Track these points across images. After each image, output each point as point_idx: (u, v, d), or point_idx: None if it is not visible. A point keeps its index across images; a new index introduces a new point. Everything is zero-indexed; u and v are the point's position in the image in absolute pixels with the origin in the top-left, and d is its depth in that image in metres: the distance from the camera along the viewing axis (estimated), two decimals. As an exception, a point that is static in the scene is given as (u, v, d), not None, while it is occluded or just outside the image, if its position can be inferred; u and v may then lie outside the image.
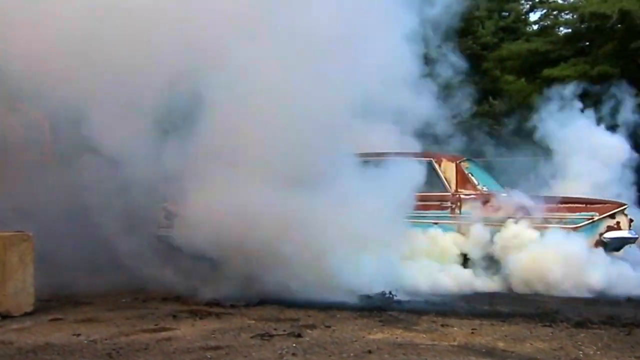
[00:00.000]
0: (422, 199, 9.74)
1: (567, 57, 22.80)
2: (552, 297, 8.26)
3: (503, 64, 23.54)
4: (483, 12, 24.56)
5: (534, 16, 25.98)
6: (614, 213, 9.58)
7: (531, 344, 5.39)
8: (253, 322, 6.36)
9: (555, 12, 23.74)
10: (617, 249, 9.59)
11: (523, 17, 27.45)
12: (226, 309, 7.05)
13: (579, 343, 5.50)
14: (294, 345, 5.33)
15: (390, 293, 7.59)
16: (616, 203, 9.79)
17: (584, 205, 9.74)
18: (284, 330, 5.89)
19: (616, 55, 20.65)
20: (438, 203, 10.13)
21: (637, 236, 9.62)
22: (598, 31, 21.12)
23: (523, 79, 23.84)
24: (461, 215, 10.02)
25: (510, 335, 5.73)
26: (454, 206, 10.09)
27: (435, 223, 9.95)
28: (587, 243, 9.35)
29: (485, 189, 10.26)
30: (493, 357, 4.99)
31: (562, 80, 21.07)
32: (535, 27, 25.95)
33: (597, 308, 7.34)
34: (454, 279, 9.20)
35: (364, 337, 5.72)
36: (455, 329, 6.09)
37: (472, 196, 10.05)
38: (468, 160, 10.80)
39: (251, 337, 5.62)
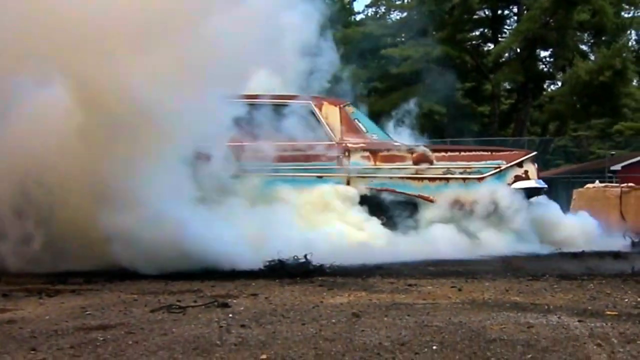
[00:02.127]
0: (302, 149, 7.88)
1: (402, 41, 22.60)
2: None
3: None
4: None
5: (363, 1, 25.62)
6: (522, 161, 8.41)
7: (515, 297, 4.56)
8: (135, 296, 4.77)
9: (388, -3, 23.37)
10: (526, 199, 8.37)
11: (348, 6, 26.96)
12: (81, 285, 5.37)
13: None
14: (231, 315, 3.95)
15: (305, 257, 6.03)
16: (524, 151, 8.67)
17: (489, 154, 8.47)
18: (195, 302, 4.43)
19: (450, 39, 20.61)
20: (322, 153, 8.19)
21: (545, 186, 8.50)
22: (432, 16, 20.98)
23: (354, 65, 23.01)
24: (350, 167, 8.17)
25: (492, 291, 4.81)
26: (341, 157, 8.21)
27: (320, 177, 8.03)
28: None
29: (375, 137, 8.53)
30: (514, 310, 4.09)
31: (404, 60, 20.81)
32: (368, 13, 25.57)
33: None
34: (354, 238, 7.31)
35: (321, 302, 4.41)
36: (429, 287, 4.97)
37: (362, 145, 8.26)
38: (352, 104, 8.99)
39: (151, 312, 4.12)
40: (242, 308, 4.21)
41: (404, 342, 3.17)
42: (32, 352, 3.14)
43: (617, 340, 3.13)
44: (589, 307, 4.04)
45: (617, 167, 19.61)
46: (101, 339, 3.40)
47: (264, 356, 2.97)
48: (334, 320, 3.74)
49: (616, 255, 6.98)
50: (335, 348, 3.09)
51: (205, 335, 3.41)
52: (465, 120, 22.77)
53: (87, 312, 4.17)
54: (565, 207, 10.17)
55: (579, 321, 3.59)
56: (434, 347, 3.05)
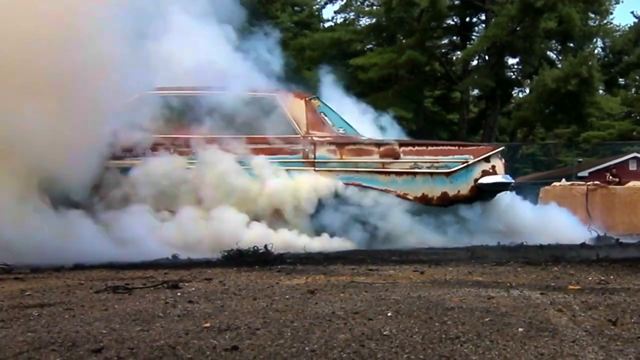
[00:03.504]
0: (266, 142, 7.70)
1: (370, 48, 22.59)
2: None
3: (303, 54, 22.41)
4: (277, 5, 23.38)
5: (332, 7, 25.67)
6: (489, 156, 8.28)
7: (477, 277, 4.41)
8: (81, 281, 4.48)
9: (357, 3, 23.34)
10: (493, 195, 8.26)
11: (317, 13, 26.99)
12: (26, 274, 5.00)
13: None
14: (179, 294, 3.73)
15: (266, 247, 5.88)
16: (491, 145, 8.54)
17: (457, 148, 8.34)
18: (145, 284, 4.18)
19: (419, 46, 20.63)
20: (286, 147, 7.99)
21: (512, 181, 8.40)
22: (401, 22, 20.99)
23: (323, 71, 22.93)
24: (316, 161, 7.98)
25: (455, 273, 4.65)
26: (306, 150, 8.02)
27: (286, 170, 7.83)
28: (462, 189, 7.87)
29: (342, 131, 8.36)
30: (476, 287, 3.99)
31: (370, 68, 20.77)
32: (337, 19, 25.57)
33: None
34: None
35: (278, 283, 4.21)
36: (391, 271, 4.79)
37: (328, 139, 8.09)
38: (318, 98, 8.83)
39: (95, 293, 3.87)
40: (192, 289, 4.00)
41: (358, 311, 3.01)
42: (-42, 326, 2.91)
43: (578, 307, 3.00)
44: (552, 284, 3.93)
45: (585, 173, 19.77)
46: (36, 314, 3.18)
47: (207, 324, 2.78)
48: (287, 297, 3.56)
49: (582, 245, 6.90)
50: (285, 317, 2.91)
51: (148, 310, 3.20)
52: (435, 128, 22.83)
53: (27, 294, 3.93)
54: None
55: (541, 294, 3.46)
56: (389, 314, 2.90)
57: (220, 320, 2.87)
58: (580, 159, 22.05)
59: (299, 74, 21.69)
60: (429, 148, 8.22)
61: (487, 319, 2.71)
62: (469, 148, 8.40)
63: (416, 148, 8.17)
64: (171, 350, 2.29)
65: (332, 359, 2.14)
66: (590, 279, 4.18)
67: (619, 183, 10.23)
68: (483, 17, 22.80)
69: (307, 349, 2.27)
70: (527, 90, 23.74)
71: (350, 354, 2.18)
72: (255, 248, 5.91)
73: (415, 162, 8.02)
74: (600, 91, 23.59)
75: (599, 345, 2.26)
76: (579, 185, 10.15)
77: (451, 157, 8.14)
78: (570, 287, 3.74)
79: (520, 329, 2.51)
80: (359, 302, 3.26)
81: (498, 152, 8.35)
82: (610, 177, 10.01)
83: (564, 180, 10.65)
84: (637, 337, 2.38)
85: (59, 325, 2.84)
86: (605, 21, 22.60)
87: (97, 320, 2.93)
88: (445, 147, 8.34)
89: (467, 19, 23.44)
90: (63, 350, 2.33)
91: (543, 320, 2.68)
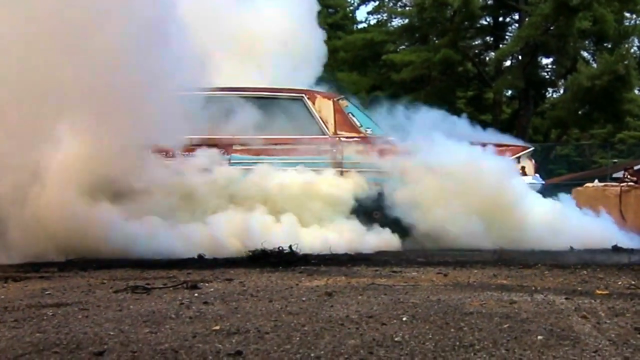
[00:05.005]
0: (294, 142, 7.62)
1: (403, 48, 22.42)
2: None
3: (336, 55, 22.33)
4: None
5: (365, 9, 25.53)
6: (519, 157, 8.10)
7: (502, 281, 4.27)
8: (104, 280, 4.47)
9: (390, 4, 23.19)
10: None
11: (350, 15, 26.88)
12: (53, 273, 5.00)
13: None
14: (197, 295, 3.69)
15: (290, 248, 5.77)
16: (521, 145, 8.33)
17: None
18: (165, 284, 4.12)
19: (452, 46, 20.40)
20: (314, 147, 7.91)
21: (543, 182, 8.20)
22: (434, 23, 20.79)
23: (356, 72, 22.87)
24: (344, 162, 7.87)
25: (479, 276, 4.53)
26: (334, 151, 7.92)
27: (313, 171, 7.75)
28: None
29: (369, 131, 8.25)
30: (499, 290, 3.86)
31: (405, 66, 20.60)
32: (370, 20, 25.49)
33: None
34: (341, 235, 7.00)
35: (297, 284, 4.12)
36: (414, 273, 4.67)
37: (356, 139, 7.98)
38: (346, 98, 8.73)
39: (114, 292, 3.85)
40: (211, 290, 3.95)
41: (373, 315, 2.92)
42: (-29, 325, 2.90)
43: (604, 314, 2.86)
44: (579, 288, 3.78)
45: (619, 174, 19.29)
46: (50, 314, 3.16)
47: (217, 327, 2.72)
48: (304, 299, 3.48)
49: (614, 248, 6.67)
50: (297, 320, 2.83)
51: (162, 311, 3.16)
52: (468, 128, 22.51)
53: (47, 293, 3.93)
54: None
55: (566, 298, 3.32)
56: (404, 319, 2.80)
57: (231, 323, 2.81)
58: (616, 160, 21.55)
59: (332, 75, 21.64)
60: (458, 148, 8.04)
61: (505, 325, 2.60)
62: (499, 148, 8.22)
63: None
64: (173, 354, 2.23)
65: (337, 366, 2.06)
66: (619, 283, 4.01)
67: (636, 183, 9.88)
68: (516, 17, 22.44)
69: (312, 355, 2.19)
70: (562, 90, 23.30)
71: (356, 361, 2.09)
72: (280, 248, 5.85)
73: (447, 162, 7.83)
74: (637, 92, 23.01)
75: (623, 356, 2.13)
76: (612, 186, 9.83)
77: (479, 157, 7.95)
78: (598, 291, 3.59)
79: (539, 337, 2.39)
80: (375, 306, 3.17)
81: (528, 152, 8.17)
82: (628, 177, 9.64)
83: (596, 181, 10.34)
84: (664, 347, 2.25)
85: (70, 326, 2.81)
86: None
87: (108, 321, 2.89)
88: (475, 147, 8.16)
89: (500, 19, 23.10)
90: (65, 352, 2.29)
91: (565, 328, 2.55)
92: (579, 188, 9.93)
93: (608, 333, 2.47)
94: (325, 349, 2.27)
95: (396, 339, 2.40)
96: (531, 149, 8.29)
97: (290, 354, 2.21)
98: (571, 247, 6.84)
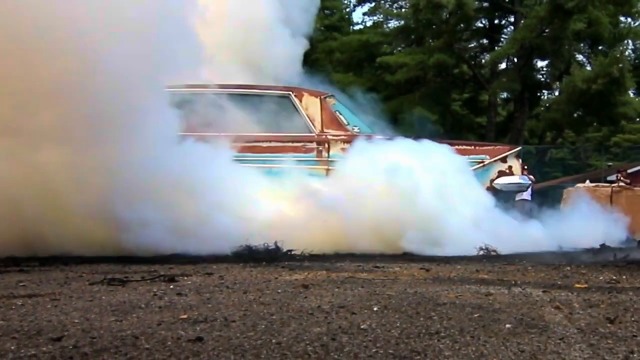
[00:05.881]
0: (280, 140, 7.60)
1: (399, 50, 22.38)
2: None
3: (331, 57, 22.31)
4: (310, 6, 23.34)
5: (361, 10, 25.45)
6: (506, 156, 8.08)
7: (483, 275, 4.25)
8: (82, 274, 4.41)
9: (386, 6, 23.14)
10: (510, 196, 8.04)
11: (347, 16, 26.85)
12: (33, 267, 4.94)
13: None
14: (172, 287, 3.65)
15: (276, 244, 5.72)
16: (508, 146, 8.34)
17: (472, 148, 8.15)
18: (143, 277, 4.08)
19: (447, 48, 20.37)
20: (300, 145, 7.88)
21: (530, 182, 8.16)
22: (429, 25, 20.74)
23: (351, 73, 22.82)
24: (329, 160, 7.84)
25: (462, 271, 4.50)
26: (320, 149, 7.89)
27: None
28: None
29: (356, 129, 8.21)
30: (478, 284, 3.89)
31: (400, 68, 20.56)
32: (366, 21, 25.48)
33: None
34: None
35: (276, 278, 4.10)
36: (397, 269, 4.67)
37: (342, 137, 7.95)
38: (333, 96, 8.70)
39: (90, 284, 3.80)
40: (188, 282, 3.91)
41: (345, 305, 2.88)
42: (-64, 313, 2.85)
43: (578, 305, 2.83)
44: (559, 282, 3.74)
45: (614, 177, 19.26)
46: (20, 304, 3.11)
47: (184, 316, 2.68)
48: (279, 291, 3.44)
49: (602, 246, 6.64)
50: (267, 310, 2.79)
51: (132, 301, 3.11)
52: (462, 131, 22.53)
53: (22, 284, 3.88)
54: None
55: (543, 291, 3.29)
56: (375, 309, 2.76)
57: (200, 312, 2.76)
58: (610, 163, 21.53)
59: (327, 76, 21.62)
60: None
61: (476, 315, 2.56)
62: (486, 148, 8.22)
63: (433, 147, 7.98)
64: (133, 340, 2.19)
65: (295, 352, 2.01)
66: (601, 278, 3.98)
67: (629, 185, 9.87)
68: (512, 19, 22.42)
69: (274, 341, 2.15)
70: (557, 92, 23.29)
71: (316, 348, 2.05)
72: (265, 244, 5.81)
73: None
74: (631, 94, 23.01)
75: (588, 343, 2.09)
76: (603, 187, 9.83)
77: (467, 157, 7.95)
78: (577, 285, 3.56)
79: (508, 325, 2.35)
80: (350, 297, 3.13)
81: (515, 152, 8.15)
82: (621, 179, 9.63)
83: (588, 181, 10.33)
84: (632, 335, 2.21)
85: (35, 315, 2.76)
86: (636, 23, 22.03)
87: (76, 311, 2.84)
88: (461, 147, 8.16)
89: (496, 21, 23.08)
90: (24, 338, 2.24)
91: (536, 317, 2.51)
92: (570, 189, 9.93)
93: (578, 322, 2.43)
94: (289, 336, 2.22)
95: (362, 327, 2.36)
96: (518, 149, 8.28)
97: (252, 340, 2.17)
98: (560, 246, 6.82)
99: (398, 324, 2.41)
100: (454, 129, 22.30)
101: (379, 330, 2.30)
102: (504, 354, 1.94)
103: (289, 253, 5.72)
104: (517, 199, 8.42)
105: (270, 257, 5.54)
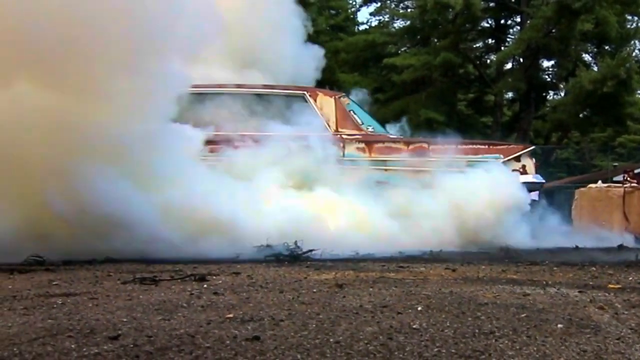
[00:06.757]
0: (296, 139, 7.64)
1: (404, 50, 22.38)
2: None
3: (337, 57, 22.28)
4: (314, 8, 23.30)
5: (367, 10, 25.45)
6: (519, 155, 8.11)
7: (512, 275, 4.27)
8: (110, 273, 4.41)
9: (392, 6, 23.12)
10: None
11: (352, 17, 26.82)
12: (58, 266, 4.89)
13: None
14: (205, 286, 3.65)
15: (295, 244, 5.68)
16: (521, 145, 8.37)
17: (486, 147, 8.18)
18: (172, 277, 4.07)
19: (453, 48, 20.35)
20: (316, 144, 7.90)
21: (543, 181, 8.19)
22: (435, 25, 20.75)
23: (357, 73, 22.81)
24: (344, 159, 7.87)
25: (488, 271, 4.51)
26: (335, 148, 7.92)
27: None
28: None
29: (370, 129, 8.25)
30: (510, 284, 3.92)
31: (403, 70, 20.57)
32: (372, 21, 25.41)
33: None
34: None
35: (306, 277, 4.09)
36: (422, 269, 4.64)
37: (357, 137, 7.99)
38: (347, 96, 8.74)
39: (122, 283, 3.79)
40: (219, 282, 3.92)
41: (387, 305, 2.89)
42: (-19, 312, 2.87)
43: (620, 306, 2.84)
44: (590, 283, 3.75)
45: (620, 177, 19.26)
46: (60, 302, 3.12)
47: (230, 315, 2.69)
48: (314, 290, 3.45)
49: (620, 247, 6.66)
50: (311, 310, 2.81)
51: (172, 300, 3.13)
52: (468, 131, 22.50)
53: (55, 283, 3.89)
54: (568, 216, 9.88)
55: (580, 292, 3.30)
56: (419, 309, 2.77)
57: (244, 311, 2.78)
58: (616, 164, 21.52)
59: (333, 76, 21.62)
60: (459, 147, 8.08)
61: (523, 315, 2.57)
62: (499, 147, 8.25)
63: (446, 146, 8.03)
64: (190, 339, 2.20)
65: (358, 350, 2.03)
66: (630, 278, 4.00)
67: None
68: (518, 19, 22.40)
69: (331, 340, 2.16)
70: (563, 93, 23.30)
71: (377, 347, 2.07)
72: (286, 244, 5.82)
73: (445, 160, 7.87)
74: (638, 95, 23.00)
75: (646, 342, 2.11)
76: (615, 187, 9.82)
77: (481, 156, 7.99)
78: (610, 285, 3.57)
79: (559, 326, 2.37)
80: (387, 297, 3.14)
81: (528, 151, 8.19)
82: (628, 180, 9.63)
83: (600, 182, 10.33)
84: (686, 335, 2.23)
85: (81, 313, 2.78)
86: (642, 23, 22.02)
87: (119, 309, 2.86)
88: (475, 146, 8.20)
89: (502, 21, 23.06)
90: (80, 336, 2.26)
91: (584, 317, 2.53)
92: (583, 189, 9.92)
93: (628, 323, 2.44)
94: (344, 335, 2.24)
95: (414, 327, 2.37)
96: (531, 148, 8.35)
97: (308, 339, 2.19)
98: (576, 246, 6.84)
99: (448, 324, 2.42)
100: (459, 129, 22.30)
101: (431, 330, 2.31)
102: (567, 353, 1.96)
103: (309, 252, 5.73)
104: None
105: (291, 257, 5.56)
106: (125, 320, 2.59)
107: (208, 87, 7.86)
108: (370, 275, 4.12)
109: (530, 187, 8.11)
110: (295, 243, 5.83)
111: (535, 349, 2.02)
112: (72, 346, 2.11)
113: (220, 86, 8.14)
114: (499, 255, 5.72)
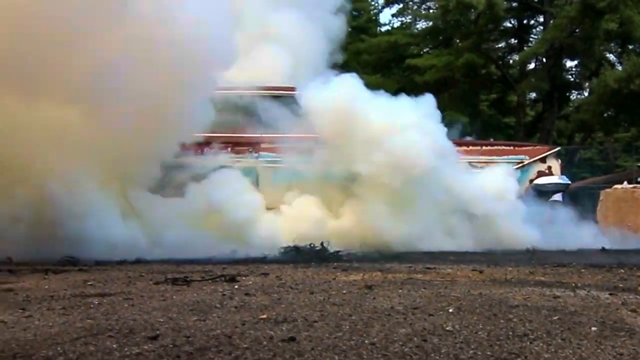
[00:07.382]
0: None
1: (427, 51, 22.34)
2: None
3: (359, 58, 22.29)
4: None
5: (389, 11, 25.42)
6: (545, 157, 8.09)
7: (540, 277, 4.26)
8: (142, 273, 4.52)
9: (414, 7, 23.08)
10: (549, 196, 8.05)
11: (374, 18, 26.80)
12: (90, 266, 5.06)
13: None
14: (237, 287, 3.72)
15: (322, 245, 5.86)
16: (547, 146, 8.34)
17: (512, 148, 8.17)
18: (203, 278, 4.15)
19: (476, 49, 20.28)
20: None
21: (569, 182, 8.15)
22: (458, 26, 20.69)
23: (379, 75, 22.76)
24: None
25: (515, 273, 4.50)
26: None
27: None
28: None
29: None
30: (539, 286, 3.90)
31: (426, 71, 20.53)
32: (394, 23, 25.38)
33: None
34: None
35: (334, 278, 4.14)
36: (449, 270, 4.67)
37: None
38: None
39: (155, 284, 3.88)
40: (250, 282, 3.98)
41: (418, 306, 2.92)
42: (21, 311, 2.95)
43: (653, 309, 2.83)
44: (620, 285, 3.74)
45: (643, 178, 19.03)
46: (96, 302, 3.19)
47: (264, 316, 2.74)
48: (344, 291, 3.49)
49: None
50: (343, 311, 2.84)
51: (206, 301, 3.18)
52: (491, 131, 22.38)
53: (89, 284, 3.98)
54: (592, 217, 9.79)
55: (610, 294, 3.30)
56: (450, 311, 2.79)
57: (277, 312, 2.82)
58: (640, 164, 21.26)
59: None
60: (483, 148, 8.07)
61: (555, 318, 2.58)
62: (525, 148, 8.24)
63: (470, 148, 8.03)
64: (227, 339, 2.25)
65: (394, 352, 2.06)
66: (661, 281, 3.97)
67: None
68: (541, 19, 22.24)
69: (366, 342, 2.20)
70: (586, 93, 23.09)
71: (412, 348, 2.09)
72: (312, 245, 5.88)
73: (470, 162, 7.87)
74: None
75: (682, 346, 2.11)
76: (642, 188, 9.72)
77: (506, 157, 7.98)
78: (640, 288, 3.56)
79: (593, 329, 2.37)
80: (417, 298, 3.17)
81: (554, 152, 8.16)
82: None
83: (625, 183, 10.23)
84: None
85: (118, 313, 2.84)
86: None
87: (155, 310, 2.92)
88: (500, 148, 8.19)
89: (525, 21, 22.91)
90: (120, 336, 2.31)
91: (617, 321, 2.53)
92: (608, 190, 9.84)
93: (661, 326, 2.44)
94: (378, 336, 2.27)
95: (447, 329, 2.39)
96: (557, 149, 8.34)
97: (343, 340, 2.22)
98: (603, 248, 6.80)
99: (481, 326, 2.44)
100: (482, 130, 22.19)
101: (465, 332, 2.33)
102: (604, 356, 1.97)
103: (336, 253, 5.77)
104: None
105: (318, 257, 5.62)
106: (162, 320, 2.64)
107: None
108: (398, 277, 4.15)
109: (555, 188, 8.08)
110: (322, 244, 5.89)
111: (570, 352, 2.03)
112: (114, 346, 2.17)
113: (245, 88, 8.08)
114: (525, 257, 5.70)
